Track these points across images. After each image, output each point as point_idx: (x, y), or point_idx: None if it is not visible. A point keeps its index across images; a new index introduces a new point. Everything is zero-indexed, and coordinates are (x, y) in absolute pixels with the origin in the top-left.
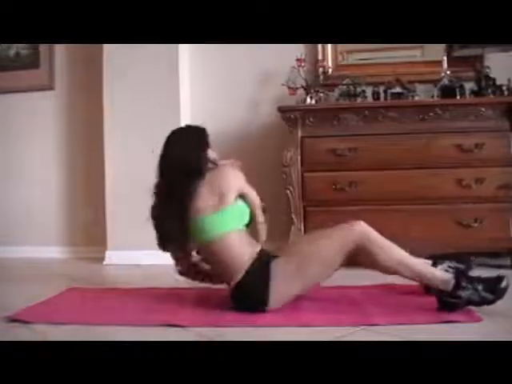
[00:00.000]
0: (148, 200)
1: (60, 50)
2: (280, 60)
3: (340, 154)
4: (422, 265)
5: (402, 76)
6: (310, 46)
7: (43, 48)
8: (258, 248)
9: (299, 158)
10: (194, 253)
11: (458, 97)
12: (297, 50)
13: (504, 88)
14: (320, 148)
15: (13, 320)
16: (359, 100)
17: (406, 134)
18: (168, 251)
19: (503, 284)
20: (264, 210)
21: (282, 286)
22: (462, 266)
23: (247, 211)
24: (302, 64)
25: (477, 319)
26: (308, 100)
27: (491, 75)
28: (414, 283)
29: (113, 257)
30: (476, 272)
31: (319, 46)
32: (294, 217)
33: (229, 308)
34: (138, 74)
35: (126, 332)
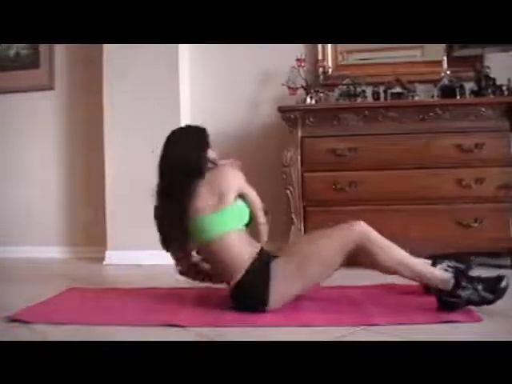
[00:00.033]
0: (148, 200)
1: (60, 50)
2: (280, 60)
3: (340, 154)
4: (422, 265)
5: (402, 76)
6: (310, 46)
7: (43, 48)
8: (258, 248)
9: (299, 157)
10: (194, 253)
11: (458, 97)
12: (297, 50)
13: (504, 88)
14: (320, 148)
15: (13, 320)
16: (359, 100)
17: (405, 134)
18: (170, 251)
19: (503, 284)
20: (266, 212)
21: (282, 285)
22: (461, 266)
23: (247, 211)
24: (302, 64)
25: (477, 319)
26: (308, 100)
27: (491, 75)
28: (414, 283)
29: (113, 257)
30: (476, 272)
31: (319, 46)
32: (293, 217)
33: (229, 308)
34: (138, 73)
35: (125, 332)
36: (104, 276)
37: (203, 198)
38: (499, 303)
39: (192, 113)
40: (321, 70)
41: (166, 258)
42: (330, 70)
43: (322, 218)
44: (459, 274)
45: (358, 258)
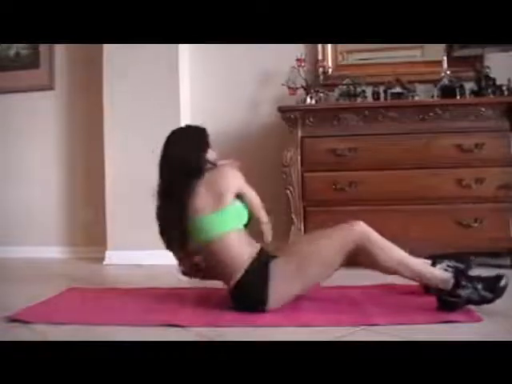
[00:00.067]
0: (148, 200)
1: (60, 50)
2: (280, 60)
3: (340, 154)
4: (422, 265)
5: (402, 76)
6: (310, 46)
7: (43, 48)
8: (258, 248)
9: (299, 157)
10: (197, 257)
11: (458, 97)
12: (297, 50)
13: (504, 88)
14: (320, 148)
15: (13, 320)
16: (359, 100)
17: (406, 134)
18: (172, 251)
19: (502, 283)
20: (268, 213)
21: (281, 285)
22: (461, 266)
23: (245, 211)
24: (302, 64)
25: (477, 319)
26: (308, 100)
27: (491, 75)
28: (414, 283)
29: (113, 257)
30: (476, 272)
31: (319, 46)
32: (294, 217)
33: (228, 308)
34: (138, 73)
35: (125, 332)
36: (104, 276)
37: (202, 197)
38: (499, 303)
39: (192, 113)
40: (321, 70)
41: (166, 258)
42: (330, 70)
43: (322, 217)
44: (459, 274)
45: (358, 258)
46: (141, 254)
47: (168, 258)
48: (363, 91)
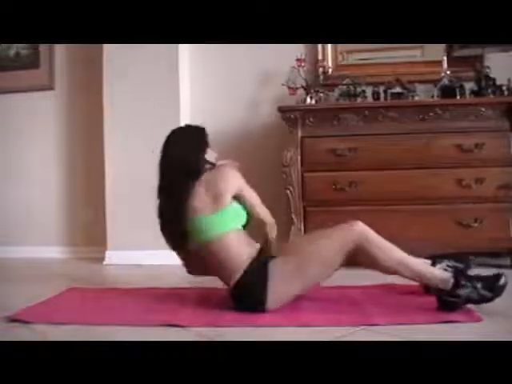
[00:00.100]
0: (148, 200)
1: (60, 50)
2: (280, 60)
3: (340, 154)
4: (422, 264)
5: (402, 76)
6: (310, 46)
7: (43, 48)
8: (257, 248)
9: (299, 157)
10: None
11: (458, 97)
12: (297, 50)
13: (504, 88)
14: (320, 148)
15: (13, 320)
16: (359, 100)
17: (406, 134)
18: (174, 250)
19: (501, 281)
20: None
21: (280, 286)
22: (460, 265)
23: (243, 212)
24: (302, 64)
25: (477, 319)
26: (308, 100)
27: (491, 75)
28: (414, 283)
29: (113, 257)
30: (476, 271)
31: (319, 46)
32: (294, 217)
33: (228, 308)
34: (138, 73)
35: (125, 332)
36: (104, 276)
37: (201, 198)
38: (499, 303)
39: (192, 113)
40: (321, 70)
41: (166, 258)
42: (330, 70)
43: (322, 217)
44: (458, 274)
45: (358, 258)
46: (141, 254)
47: (168, 258)
48: (363, 91)
